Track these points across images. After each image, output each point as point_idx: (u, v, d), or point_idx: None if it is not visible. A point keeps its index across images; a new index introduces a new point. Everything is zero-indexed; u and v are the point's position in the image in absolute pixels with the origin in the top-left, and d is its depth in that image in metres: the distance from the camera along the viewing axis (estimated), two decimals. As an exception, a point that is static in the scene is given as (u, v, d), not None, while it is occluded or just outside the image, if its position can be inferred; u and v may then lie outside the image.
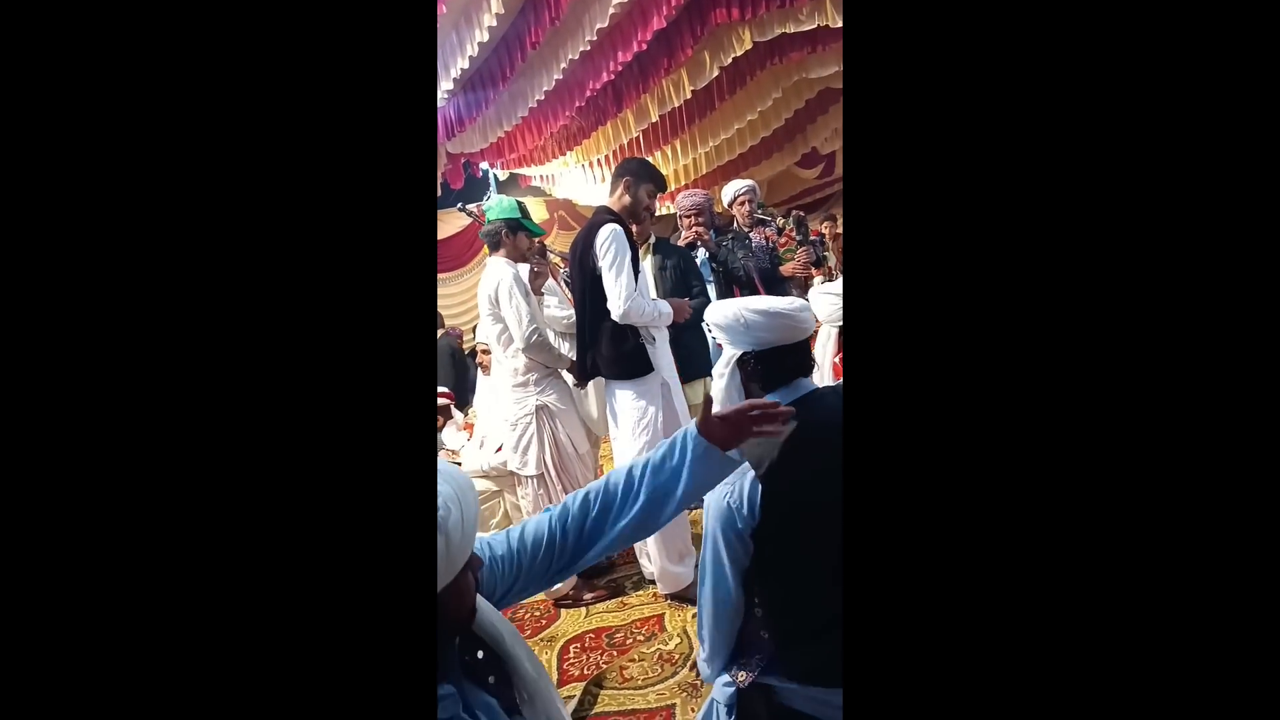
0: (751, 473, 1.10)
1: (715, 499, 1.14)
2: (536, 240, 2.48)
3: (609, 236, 2.08)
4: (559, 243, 4.06)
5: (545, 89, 3.46)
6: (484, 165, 4.92)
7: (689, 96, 4.02)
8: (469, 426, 3.08)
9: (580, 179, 5.28)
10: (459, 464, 2.60)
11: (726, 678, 1.19)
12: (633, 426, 2.18)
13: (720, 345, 1.28)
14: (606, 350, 2.17)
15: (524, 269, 2.35)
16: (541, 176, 5.40)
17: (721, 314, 1.22)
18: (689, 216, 2.74)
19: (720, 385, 1.24)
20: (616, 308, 2.08)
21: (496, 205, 2.42)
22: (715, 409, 0.99)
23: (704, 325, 1.44)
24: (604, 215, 2.16)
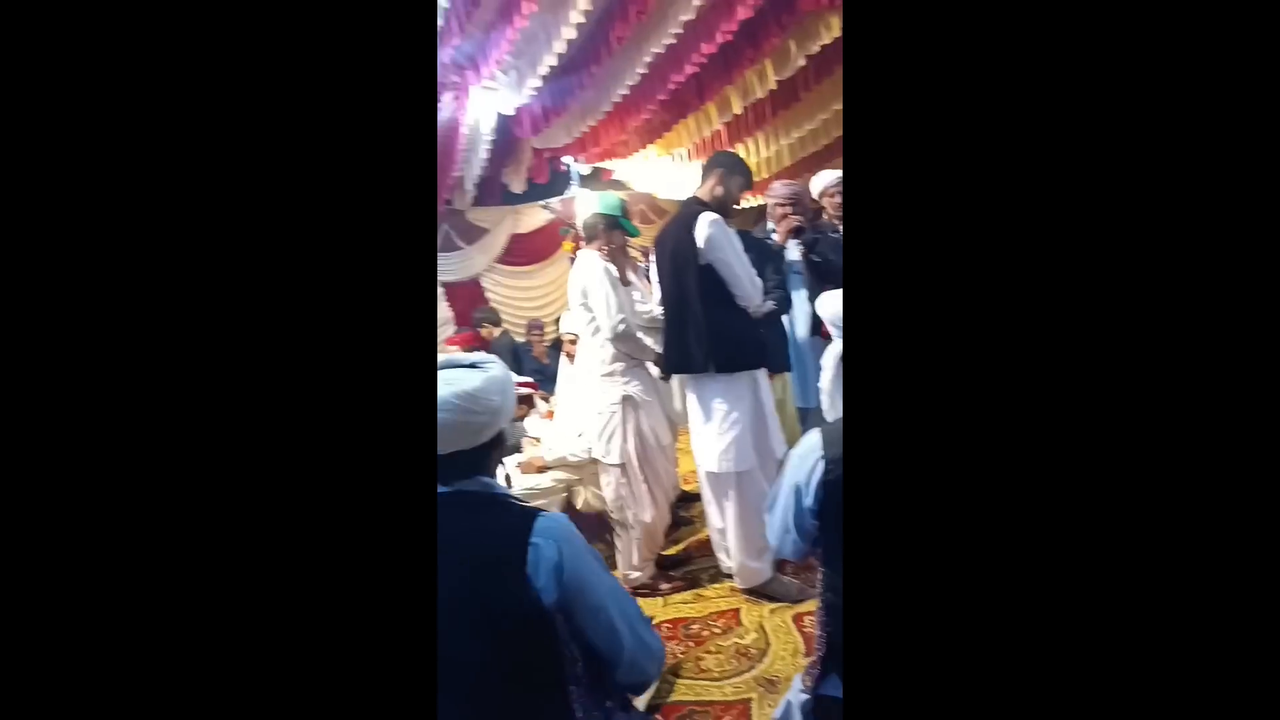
0: (822, 454, 1.12)
1: (788, 474, 1.19)
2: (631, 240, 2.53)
3: (718, 226, 2.07)
4: (643, 237, 4.08)
5: (630, 83, 3.49)
6: (567, 160, 5.00)
7: (774, 87, 3.96)
8: (550, 415, 3.16)
9: (662, 172, 5.29)
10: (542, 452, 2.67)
11: (799, 684, 1.20)
12: (720, 422, 2.17)
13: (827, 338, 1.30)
14: (726, 342, 2.13)
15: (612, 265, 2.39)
16: (624, 170, 5.44)
17: (833, 307, 1.27)
18: (785, 206, 2.69)
19: (828, 377, 1.27)
20: (753, 299, 2.08)
21: (601, 200, 2.48)
22: None
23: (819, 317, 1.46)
24: (696, 206, 2.16)
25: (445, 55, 3.29)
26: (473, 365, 1.02)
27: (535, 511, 0.97)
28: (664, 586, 2.42)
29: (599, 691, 0.96)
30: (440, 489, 0.98)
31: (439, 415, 0.94)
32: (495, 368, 1.01)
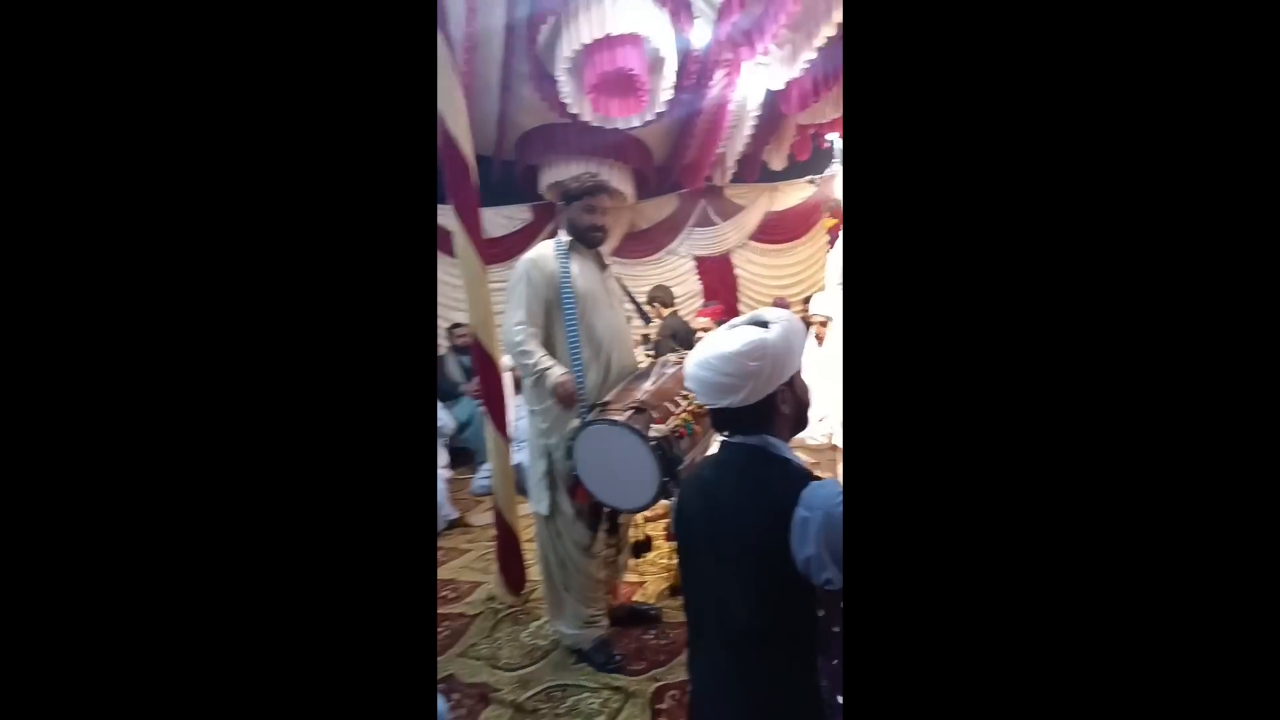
0: None
1: None
2: None
3: None
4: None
5: (912, 51, 3.23)
6: (831, 136, 4.83)
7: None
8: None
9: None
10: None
11: None
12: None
13: None
14: None
15: None
16: (891, 146, 5.10)
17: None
18: None
19: None
20: None
21: None
22: None
23: None
24: None
25: (722, 33, 3.35)
26: (764, 324, 1.00)
27: (808, 477, 0.95)
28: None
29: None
30: (721, 438, 1.05)
31: (699, 371, 0.98)
32: (772, 331, 0.98)
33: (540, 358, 1.87)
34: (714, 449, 1.10)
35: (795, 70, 3.35)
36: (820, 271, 5.30)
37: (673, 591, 2.34)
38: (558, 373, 1.86)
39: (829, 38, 3.07)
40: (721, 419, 1.04)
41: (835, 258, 2.32)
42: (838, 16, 2.93)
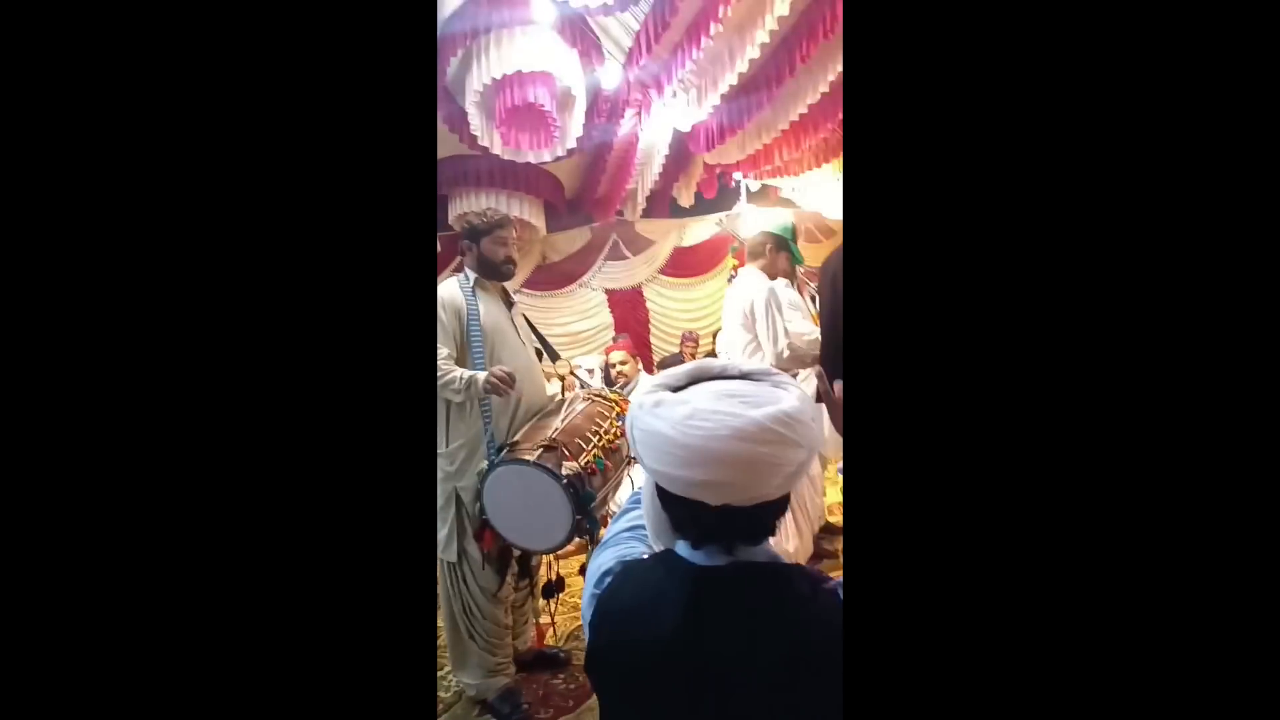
0: None
1: None
2: (797, 268, 2.51)
3: None
4: (809, 256, 3.97)
5: (810, 102, 3.43)
6: (737, 175, 5.02)
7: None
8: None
9: (832, 192, 5.15)
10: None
11: None
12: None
13: None
14: None
15: (779, 284, 2.37)
16: (793, 188, 5.36)
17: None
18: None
19: None
20: None
21: (774, 219, 2.48)
22: None
23: None
24: None
25: (631, 74, 3.44)
26: (743, 376, 0.72)
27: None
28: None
29: None
30: (709, 561, 0.70)
31: (736, 444, 0.64)
32: (793, 393, 0.69)
33: (460, 371, 1.82)
34: (640, 548, 0.81)
35: (703, 113, 3.48)
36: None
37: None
38: (482, 374, 1.81)
39: (733, 85, 3.22)
40: (712, 526, 0.69)
41: (736, 297, 2.39)
42: (742, 68, 3.07)
